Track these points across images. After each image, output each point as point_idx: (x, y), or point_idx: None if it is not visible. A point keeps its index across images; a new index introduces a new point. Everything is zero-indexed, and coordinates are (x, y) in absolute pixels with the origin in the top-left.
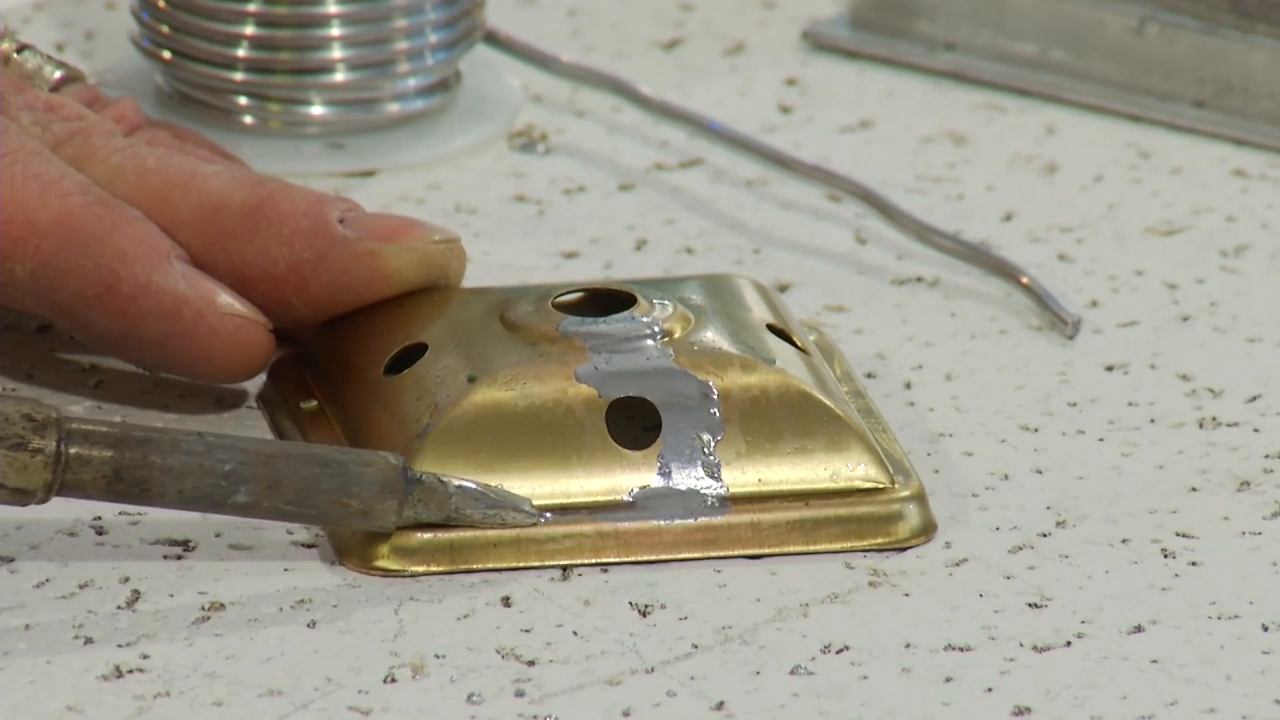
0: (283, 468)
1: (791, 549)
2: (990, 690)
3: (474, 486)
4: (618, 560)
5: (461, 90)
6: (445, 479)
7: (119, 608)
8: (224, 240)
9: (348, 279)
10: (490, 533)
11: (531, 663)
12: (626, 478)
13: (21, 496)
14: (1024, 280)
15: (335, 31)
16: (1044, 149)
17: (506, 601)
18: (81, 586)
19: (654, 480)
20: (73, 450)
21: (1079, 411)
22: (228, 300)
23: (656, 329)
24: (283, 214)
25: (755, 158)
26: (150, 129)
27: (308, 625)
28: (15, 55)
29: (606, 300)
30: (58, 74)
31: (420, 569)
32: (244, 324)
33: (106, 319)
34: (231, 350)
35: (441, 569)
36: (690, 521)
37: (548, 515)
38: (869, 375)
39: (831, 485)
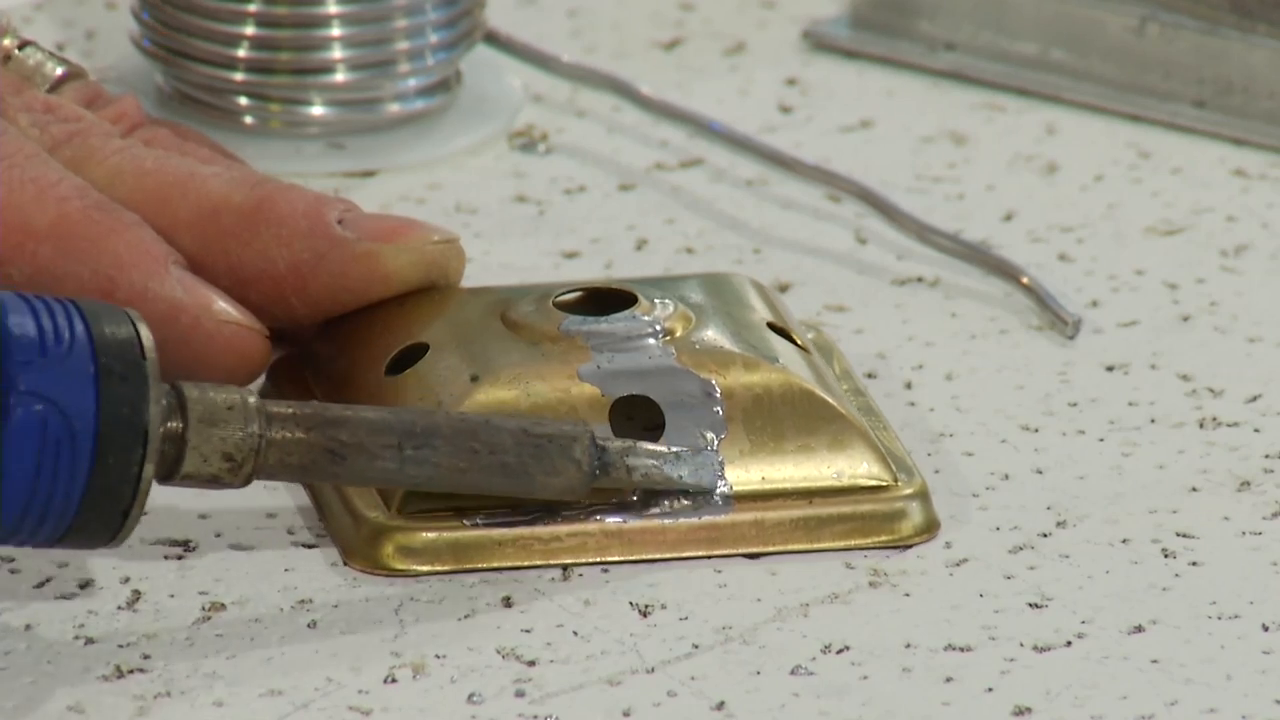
0: (471, 481)
1: (795, 547)
2: (991, 690)
3: (661, 470)
4: (622, 559)
5: (462, 90)
6: (633, 466)
7: (120, 608)
8: (223, 241)
9: (347, 280)
10: (494, 532)
11: (532, 663)
12: None
13: (217, 486)
14: (1024, 280)
15: (336, 31)
16: (1044, 149)
17: (507, 601)
18: (82, 586)
19: None
20: (270, 460)
21: (1079, 411)
22: (224, 307)
23: (658, 328)
24: (281, 215)
25: (755, 158)
26: (151, 127)
27: (308, 625)
28: (17, 52)
29: (607, 300)
30: (59, 70)
31: (425, 568)
32: (240, 331)
33: None
34: (228, 357)
35: (446, 568)
36: (694, 520)
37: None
38: (869, 375)
39: (834, 483)
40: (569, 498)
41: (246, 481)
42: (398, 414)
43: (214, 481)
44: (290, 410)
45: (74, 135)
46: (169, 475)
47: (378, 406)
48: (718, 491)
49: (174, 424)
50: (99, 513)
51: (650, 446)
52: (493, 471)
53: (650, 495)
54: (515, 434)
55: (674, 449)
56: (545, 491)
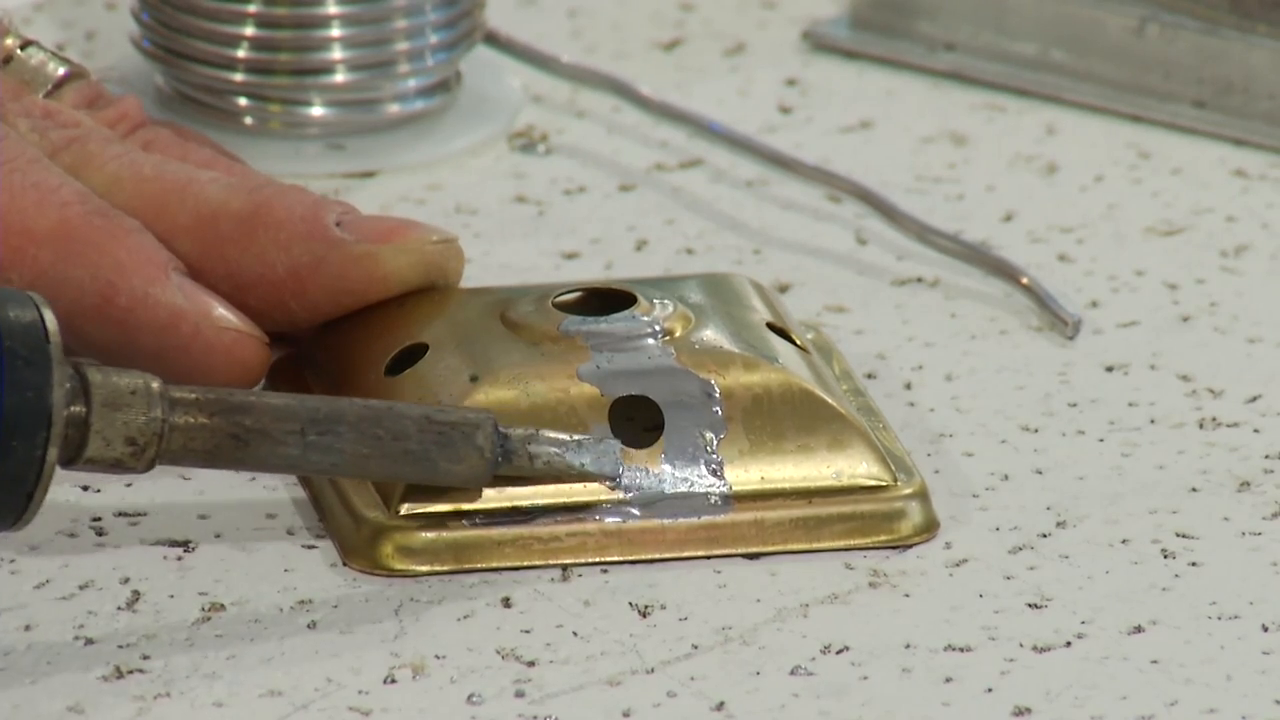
0: (374, 468)
1: (795, 547)
2: (990, 690)
3: (563, 458)
4: (621, 559)
5: (462, 91)
6: (535, 454)
7: (119, 608)
8: (221, 247)
9: (346, 282)
10: (494, 531)
11: (532, 663)
12: (630, 477)
13: (120, 470)
14: (1024, 280)
15: (335, 32)
16: (1044, 149)
17: (507, 602)
18: (82, 587)
19: (657, 479)
20: (173, 445)
21: (1079, 412)
22: (224, 314)
23: (657, 328)
24: (279, 219)
25: (755, 158)
26: (152, 128)
27: (308, 626)
28: (19, 52)
29: (606, 300)
30: (61, 71)
31: (424, 568)
32: (240, 338)
33: (103, 330)
34: (227, 364)
35: (446, 568)
36: (694, 520)
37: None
38: (869, 375)
39: (834, 483)
40: (471, 485)
41: (149, 466)
42: (303, 400)
43: (117, 466)
44: (194, 395)
45: (73, 141)
46: (72, 459)
47: (284, 393)
48: (718, 491)
49: (78, 408)
50: (3, 496)
51: (552, 434)
52: (396, 458)
53: (650, 496)
54: (419, 421)
55: (576, 437)
56: (448, 479)
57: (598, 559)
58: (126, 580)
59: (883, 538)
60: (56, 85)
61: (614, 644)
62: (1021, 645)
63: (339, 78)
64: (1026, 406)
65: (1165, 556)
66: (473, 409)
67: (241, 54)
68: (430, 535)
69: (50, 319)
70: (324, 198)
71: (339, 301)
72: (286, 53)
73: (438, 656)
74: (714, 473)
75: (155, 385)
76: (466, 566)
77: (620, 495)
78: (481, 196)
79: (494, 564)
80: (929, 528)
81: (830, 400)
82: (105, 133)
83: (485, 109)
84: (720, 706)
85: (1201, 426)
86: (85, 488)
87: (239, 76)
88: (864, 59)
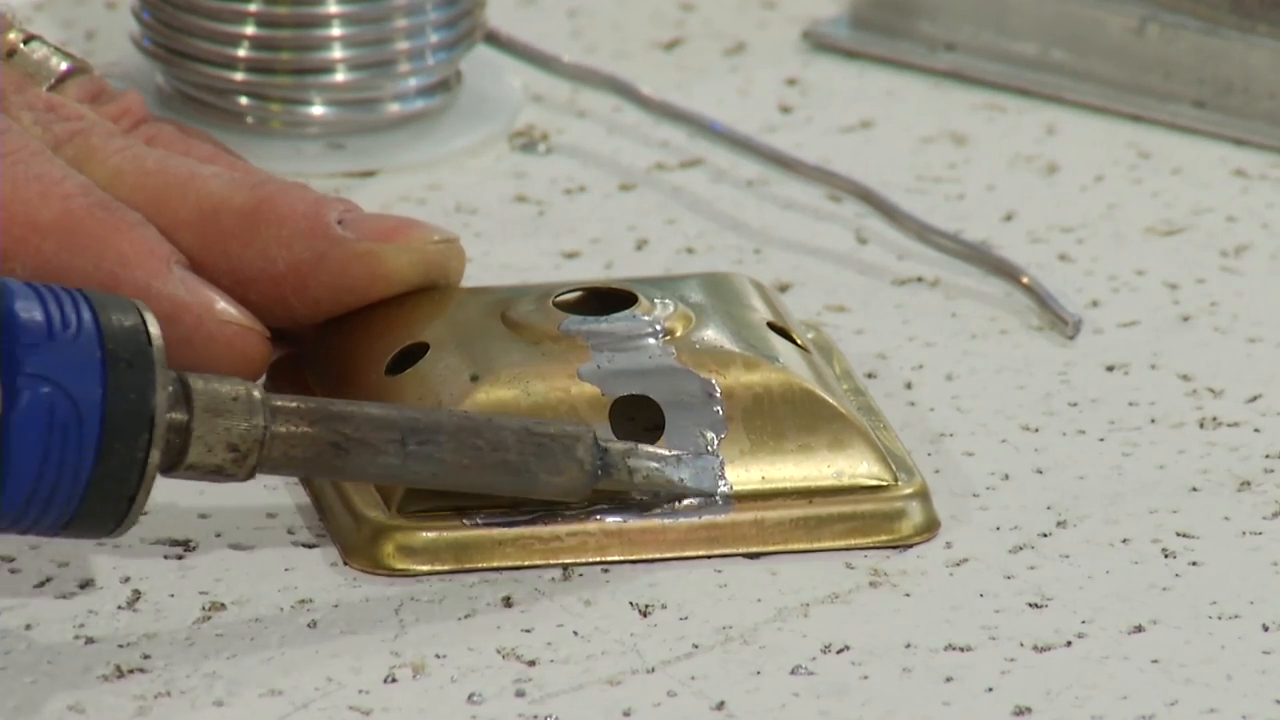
0: (473, 479)
1: (795, 547)
2: (991, 690)
3: (662, 473)
4: (622, 559)
5: (462, 90)
6: (634, 468)
7: (120, 607)
8: (223, 242)
9: (347, 280)
10: (495, 531)
11: (532, 663)
12: None
13: (222, 477)
14: (1024, 280)
15: (336, 31)
16: (1044, 149)
17: (507, 601)
18: (82, 586)
19: None
20: (272, 454)
21: (1079, 411)
22: (226, 307)
23: (658, 327)
24: (281, 215)
25: (756, 158)
26: (154, 124)
27: (308, 625)
28: (22, 46)
29: (607, 299)
30: (64, 66)
31: (425, 568)
32: (242, 331)
33: None
34: (229, 357)
35: (446, 567)
36: (694, 519)
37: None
38: (870, 375)
39: (835, 483)
40: (570, 498)
41: (250, 474)
42: (401, 410)
43: (218, 473)
44: (295, 404)
45: (76, 134)
46: (174, 465)
47: (381, 403)
48: (718, 491)
49: (179, 414)
50: (104, 500)
51: (652, 449)
52: (495, 469)
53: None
54: (518, 433)
55: (675, 452)
56: (547, 490)
57: (598, 559)
58: (127, 579)
59: (883, 537)
60: (59, 79)
61: (614, 643)
62: (1022, 645)
63: (339, 77)
64: (1027, 406)
65: (1165, 556)
66: (573, 422)
67: (242, 53)
68: (431, 535)
69: (153, 324)
70: (326, 195)
71: (340, 299)
72: (287, 52)
73: (438, 656)
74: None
75: (257, 393)
76: (467, 566)
77: (621, 495)
78: (482, 196)
79: (495, 563)
80: (929, 527)
81: (831, 400)
82: (108, 126)
83: (485, 108)
84: (721, 706)
85: (1202, 426)
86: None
87: (239, 76)
88: (864, 59)
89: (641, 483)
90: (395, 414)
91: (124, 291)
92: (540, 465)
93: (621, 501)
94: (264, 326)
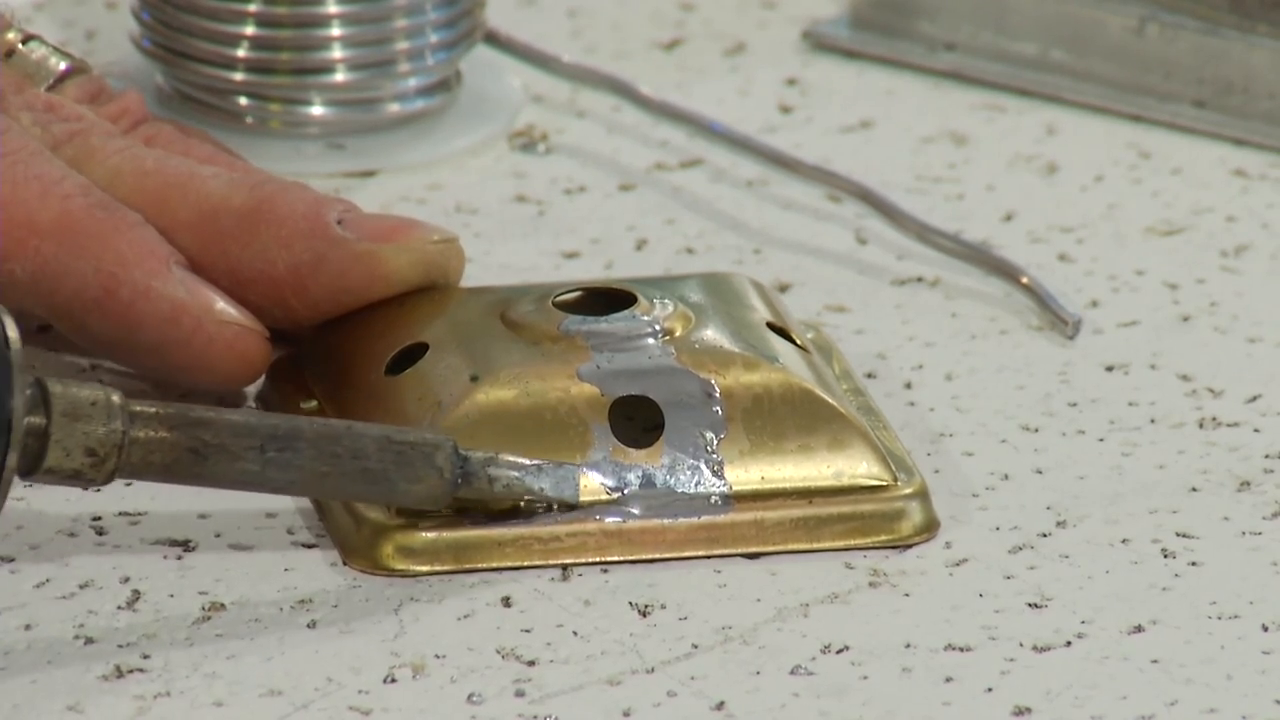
0: (333, 487)
1: (795, 547)
2: (990, 690)
3: (523, 481)
4: (622, 559)
5: (462, 90)
6: (495, 476)
7: (119, 608)
8: (222, 242)
9: (346, 280)
10: (494, 531)
11: (532, 663)
12: (630, 476)
13: (80, 482)
14: (1024, 280)
15: (336, 31)
16: (1044, 149)
17: (507, 601)
18: (82, 586)
19: (657, 479)
20: (132, 458)
21: (1079, 411)
22: (225, 308)
23: (658, 327)
24: (281, 216)
25: (755, 158)
26: (154, 124)
27: (308, 625)
28: (21, 46)
29: (606, 299)
30: (63, 66)
31: (424, 568)
32: (242, 332)
33: (104, 323)
34: (229, 358)
35: (446, 568)
36: (694, 520)
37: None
38: (869, 375)
39: (834, 483)
40: (430, 506)
41: (109, 478)
42: (262, 418)
43: (76, 477)
44: (154, 409)
45: (75, 135)
46: (31, 469)
47: (244, 409)
48: (718, 491)
49: (37, 418)
50: None
51: (513, 459)
52: (355, 477)
53: (650, 496)
54: (378, 440)
55: (535, 462)
56: (407, 499)
57: (597, 559)
58: (127, 579)
59: (883, 537)
60: (59, 79)
61: (614, 643)
62: (1021, 645)
63: (339, 77)
64: (1027, 406)
65: (1165, 556)
66: (432, 432)
67: (242, 53)
68: (430, 535)
69: (11, 327)
70: (326, 195)
71: (339, 300)
72: (287, 52)
73: (438, 656)
74: (714, 473)
75: (115, 398)
76: (466, 566)
77: (621, 495)
78: (482, 196)
79: (494, 564)
80: (929, 527)
81: (830, 400)
82: (107, 126)
83: (485, 108)
84: (720, 706)
85: (1201, 426)
86: (85, 487)
87: (239, 76)
88: (864, 59)
89: (501, 492)
90: (255, 421)
91: (124, 291)
92: (400, 473)
93: (621, 501)
94: (263, 327)
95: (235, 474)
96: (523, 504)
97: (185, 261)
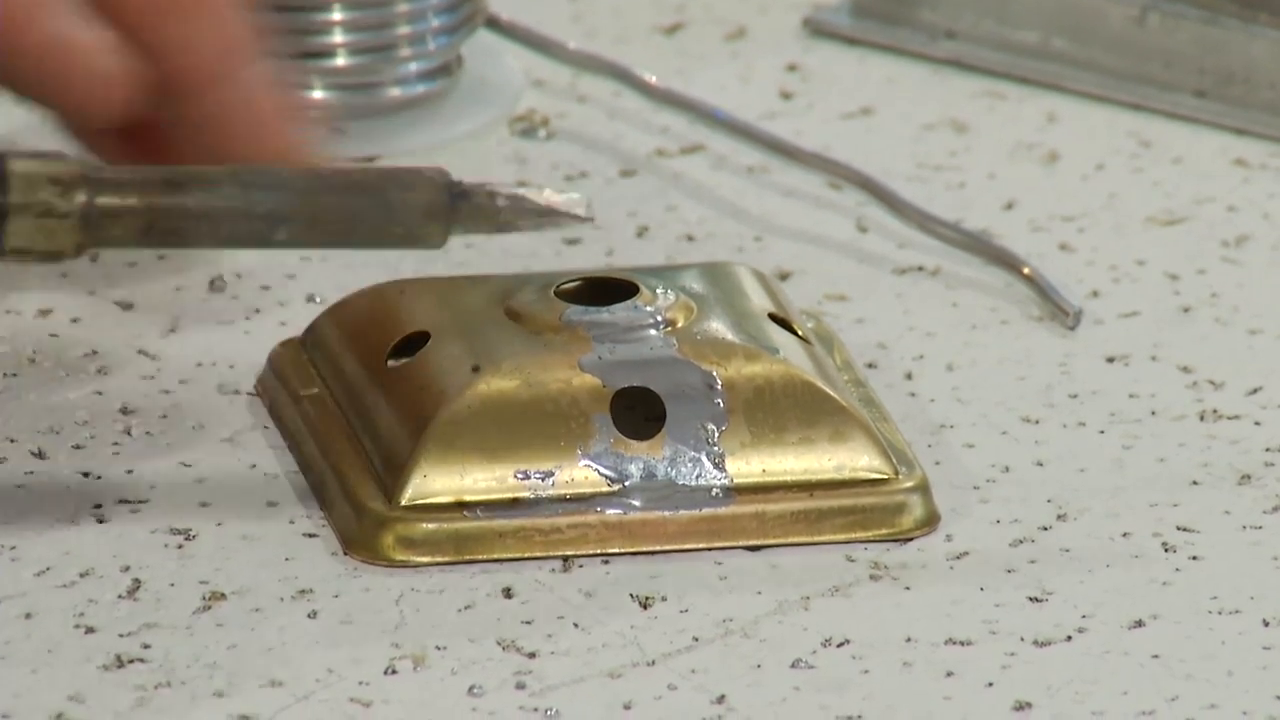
0: (324, 203)
1: (796, 540)
2: (991, 685)
3: (525, 195)
4: (623, 551)
5: (463, 75)
6: (494, 191)
7: (120, 597)
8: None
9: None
10: (495, 523)
11: (532, 655)
12: (631, 468)
13: (52, 258)
14: (1025, 270)
15: (336, 16)
16: (1045, 138)
17: (507, 593)
18: (82, 575)
19: (659, 471)
20: (101, 202)
21: (1080, 403)
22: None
23: (660, 318)
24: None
25: (756, 144)
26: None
27: (309, 615)
28: None
29: (608, 289)
30: None
31: (425, 559)
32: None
33: None
34: (91, 89)
35: (447, 559)
36: (695, 512)
37: (592, 213)
38: (870, 365)
39: (835, 476)
40: (433, 235)
41: (78, 250)
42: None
43: (49, 257)
44: (124, 172)
45: None
46: None
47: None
48: (719, 484)
49: None
50: None
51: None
52: (346, 190)
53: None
54: (363, 169)
55: (535, 196)
56: (406, 216)
57: (598, 551)
58: (127, 568)
59: (884, 531)
60: None
61: (615, 636)
62: (1022, 639)
63: (340, 61)
64: (1027, 397)
65: (1166, 550)
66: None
67: None
68: (431, 526)
69: None
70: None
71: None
72: (288, 36)
73: (438, 647)
74: (716, 465)
75: (79, 167)
76: (467, 557)
77: (622, 487)
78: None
79: (495, 555)
80: (930, 521)
81: (832, 393)
82: None
83: (486, 93)
84: (721, 699)
85: (1202, 419)
86: (86, 474)
87: None
88: (865, 46)
89: (505, 205)
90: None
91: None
92: (392, 182)
93: (622, 493)
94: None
95: (219, 200)
96: (528, 223)
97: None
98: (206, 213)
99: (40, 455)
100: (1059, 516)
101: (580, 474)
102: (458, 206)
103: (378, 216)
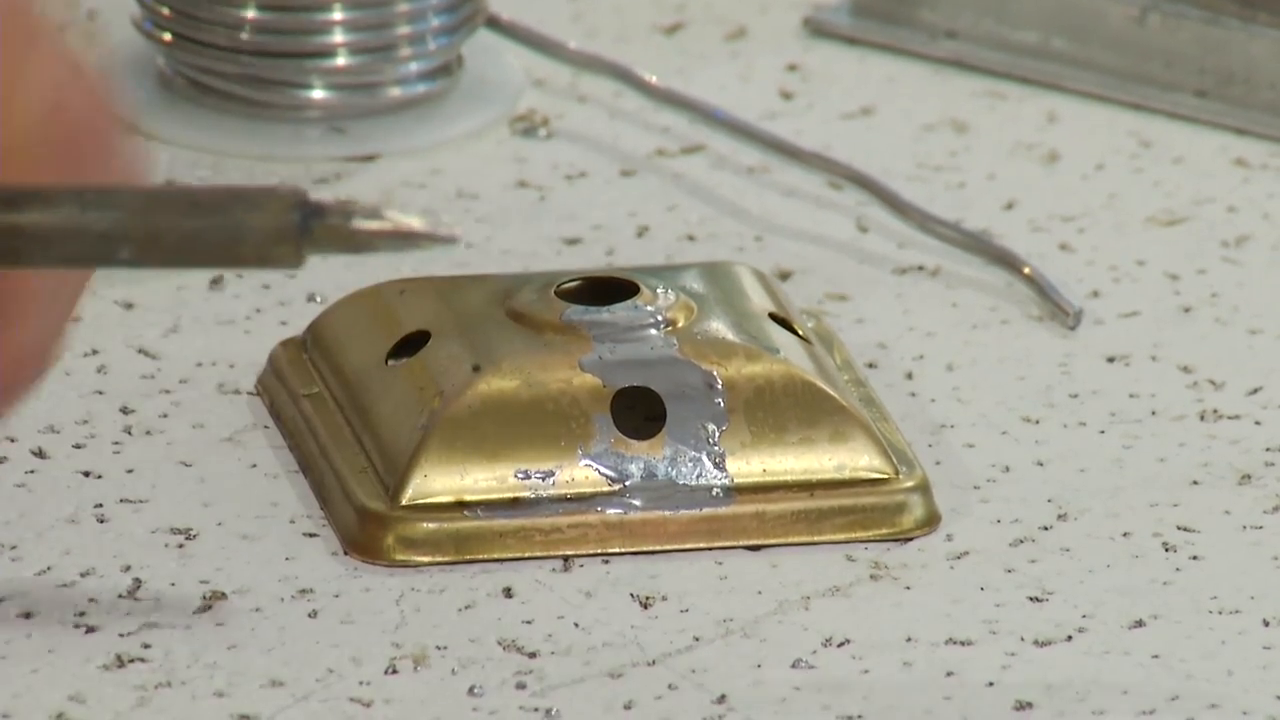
0: (164, 223)
1: (796, 539)
2: (991, 684)
3: (384, 215)
4: (623, 551)
5: (463, 75)
6: (351, 211)
7: (120, 596)
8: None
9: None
10: (496, 523)
11: (533, 655)
12: (631, 467)
13: None
14: (1025, 270)
15: (337, 15)
16: (1045, 137)
17: (508, 593)
18: (83, 575)
19: (659, 470)
20: None
21: (1080, 403)
22: None
23: (660, 318)
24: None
25: (756, 144)
26: None
27: (309, 615)
28: None
29: (609, 288)
30: None
31: (426, 559)
32: None
33: None
34: None
35: (447, 559)
36: (695, 512)
37: (458, 233)
38: (870, 365)
39: (836, 476)
40: (285, 256)
41: None
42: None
43: None
44: None
45: None
46: None
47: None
48: (719, 483)
49: None
50: None
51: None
52: (186, 210)
53: (652, 488)
54: (211, 188)
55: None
56: (254, 239)
57: (599, 550)
58: (128, 568)
59: (884, 531)
60: None
61: (615, 635)
62: (1023, 639)
63: (340, 61)
64: (1028, 397)
65: (1166, 550)
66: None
67: (243, 36)
68: (432, 526)
69: None
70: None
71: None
72: (288, 35)
73: (439, 647)
74: (716, 465)
75: None
76: (468, 557)
77: (622, 487)
78: (483, 181)
79: (495, 555)
80: (930, 521)
81: (832, 392)
82: None
83: (487, 93)
84: (721, 699)
85: (1203, 419)
86: (86, 474)
87: (241, 59)
88: (865, 45)
89: (360, 227)
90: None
91: None
92: (236, 204)
93: (623, 492)
94: None
95: (56, 219)
96: (387, 245)
97: None
98: (43, 232)
99: (40, 455)
100: (1059, 516)
101: (580, 474)
102: (310, 227)
103: (223, 236)
